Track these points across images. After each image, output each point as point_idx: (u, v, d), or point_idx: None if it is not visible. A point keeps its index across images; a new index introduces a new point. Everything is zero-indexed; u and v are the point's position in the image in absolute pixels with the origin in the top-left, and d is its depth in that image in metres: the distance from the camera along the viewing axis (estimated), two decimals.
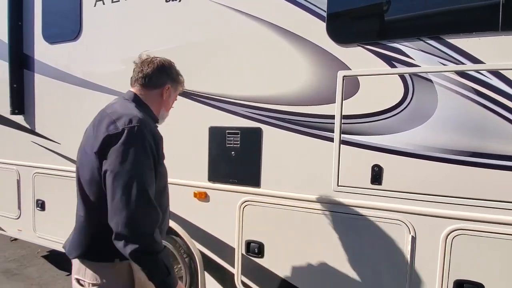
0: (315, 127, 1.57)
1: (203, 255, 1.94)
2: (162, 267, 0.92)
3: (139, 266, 0.93)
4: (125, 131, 0.93)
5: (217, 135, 1.81)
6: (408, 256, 1.41)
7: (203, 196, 1.87)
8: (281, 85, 1.64)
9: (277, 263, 1.70)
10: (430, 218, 1.38)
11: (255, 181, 1.72)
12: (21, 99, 2.59)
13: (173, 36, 1.93)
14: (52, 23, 2.40)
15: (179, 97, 1.93)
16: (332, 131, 1.53)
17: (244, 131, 1.73)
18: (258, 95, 1.69)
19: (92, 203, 0.99)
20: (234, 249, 1.80)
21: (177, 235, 2.01)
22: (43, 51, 2.47)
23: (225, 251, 1.84)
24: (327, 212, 1.56)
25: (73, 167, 2.15)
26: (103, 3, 2.16)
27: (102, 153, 0.93)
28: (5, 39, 2.54)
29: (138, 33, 2.04)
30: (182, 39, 1.91)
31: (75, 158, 2.07)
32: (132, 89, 1.14)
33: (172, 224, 1.99)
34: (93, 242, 1.00)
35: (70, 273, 2.49)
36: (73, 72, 2.34)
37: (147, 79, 1.11)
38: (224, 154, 1.79)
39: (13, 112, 2.57)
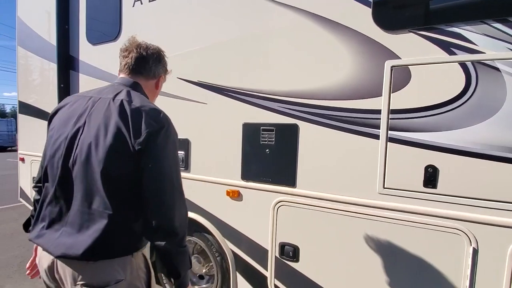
0: (358, 123, 1.44)
1: (235, 255, 1.89)
2: (188, 260, 0.96)
3: (170, 259, 0.92)
4: (165, 127, 0.93)
5: (251, 132, 1.75)
6: (468, 272, 1.23)
7: (236, 195, 1.82)
8: (320, 78, 1.53)
9: (313, 269, 1.59)
10: (496, 228, 1.19)
11: (290, 181, 1.63)
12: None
13: (208, 34, 1.91)
14: (94, 25, 2.51)
15: (212, 93, 1.93)
16: (378, 127, 1.39)
17: (280, 127, 1.65)
18: (295, 89, 1.60)
19: (116, 198, 0.89)
20: (267, 251, 1.72)
21: (209, 233, 1.99)
22: (86, 52, 2.59)
23: (258, 252, 1.77)
24: (370, 217, 1.42)
25: None
26: (141, 3, 2.20)
27: (141, 149, 0.88)
28: (54, 42, 2.71)
29: (174, 31, 2.05)
30: (217, 35, 1.87)
31: None
32: (128, 77, 1.06)
33: (204, 222, 1.97)
34: (113, 237, 0.89)
35: None
36: (113, 72, 2.42)
37: (147, 67, 1.08)
38: (258, 152, 1.72)
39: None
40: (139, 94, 1.02)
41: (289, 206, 1.64)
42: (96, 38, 2.50)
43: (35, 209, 1.05)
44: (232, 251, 1.90)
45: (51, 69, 2.87)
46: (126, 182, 0.91)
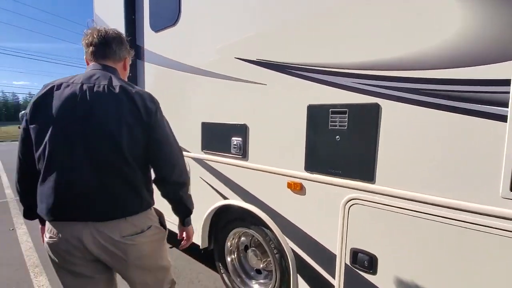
0: (470, 99, 1.04)
1: (296, 255, 1.68)
2: (191, 200, 1.31)
3: (184, 203, 1.26)
4: (159, 106, 1.19)
5: (317, 115, 1.48)
6: None
7: (298, 188, 1.59)
8: (414, 42, 1.16)
9: (396, 285, 1.27)
10: None
11: (367, 174, 1.31)
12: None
13: (269, 8, 1.68)
14: (156, 11, 2.52)
15: (272, 72, 1.71)
16: (503, 104, 0.98)
17: (355, 108, 1.34)
18: (376, 59, 1.26)
19: (131, 162, 1.10)
20: (335, 256, 1.46)
21: (267, 227, 1.81)
22: (150, 40, 2.64)
23: (324, 256, 1.52)
24: (485, 228, 1.03)
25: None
26: None
27: (148, 123, 1.11)
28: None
29: (232, 13, 1.88)
30: (278, 8, 1.63)
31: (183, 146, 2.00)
32: (98, 64, 1.17)
33: (262, 215, 1.80)
34: (135, 195, 1.13)
35: (172, 246, 2.65)
36: (174, 57, 2.40)
37: (112, 52, 1.19)
38: (326, 139, 1.44)
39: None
40: (121, 78, 1.18)
41: (365, 205, 1.33)
42: (158, 25, 2.50)
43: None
44: (293, 251, 1.69)
45: None
46: (140, 152, 1.12)
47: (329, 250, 1.49)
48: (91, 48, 1.17)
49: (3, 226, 3.79)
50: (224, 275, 2.30)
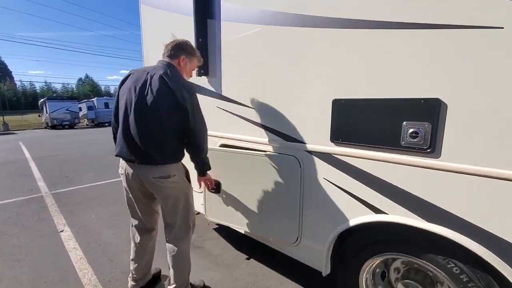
0: None
1: None
2: (206, 155, 1.79)
3: (204, 161, 1.78)
4: (194, 93, 1.68)
5: None
6: None
7: None
8: None
9: None
10: None
11: None
12: (205, 57, 2.19)
13: None
14: None
15: None
16: None
17: None
18: None
19: (164, 128, 1.60)
20: None
21: (494, 272, 1.13)
22: None
23: None
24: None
25: (269, 138, 1.90)
26: None
27: (185, 102, 1.59)
28: None
29: None
30: None
31: (271, 126, 1.86)
32: (166, 60, 1.75)
33: (478, 249, 1.12)
34: (171, 154, 1.68)
35: (249, 257, 2.59)
36: (281, 8, 1.68)
37: (170, 52, 1.75)
38: None
39: (199, 73, 2.21)
40: (175, 70, 1.70)
41: None
42: None
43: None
44: None
45: (184, 24, 2.33)
46: (172, 122, 1.60)
47: None
48: (164, 50, 1.78)
49: (44, 226, 3.31)
50: None
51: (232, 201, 2.16)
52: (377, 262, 1.55)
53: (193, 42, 2.16)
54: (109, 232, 3.12)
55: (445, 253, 1.24)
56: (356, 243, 1.55)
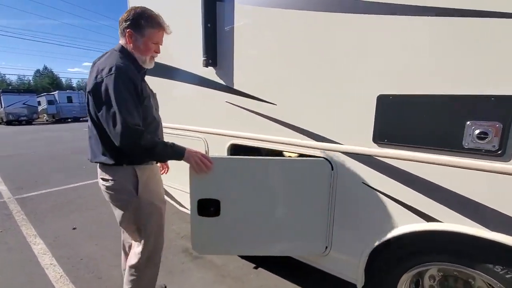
0: None
1: None
2: (162, 155, 1.39)
3: (158, 153, 1.36)
4: (106, 77, 1.25)
5: None
6: None
7: None
8: None
9: None
10: None
11: None
12: (214, 44, 1.93)
13: None
14: None
15: None
16: None
17: None
18: None
19: (99, 124, 1.34)
20: None
21: None
22: None
23: None
24: None
25: (291, 138, 1.67)
26: None
27: (93, 95, 1.31)
28: None
29: None
30: None
31: (297, 124, 1.62)
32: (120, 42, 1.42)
33: None
34: (105, 153, 1.38)
35: (257, 266, 2.35)
36: None
37: (120, 29, 1.39)
38: None
39: (207, 63, 1.94)
40: (116, 53, 1.37)
41: None
42: None
43: None
44: None
45: (190, 8, 2.05)
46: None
47: None
48: None
49: (11, 238, 2.84)
50: None
51: (237, 222, 1.60)
52: (417, 272, 1.44)
53: (200, 28, 1.91)
54: (91, 243, 2.75)
55: (505, 263, 1.15)
56: (399, 252, 1.42)
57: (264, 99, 1.76)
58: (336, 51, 1.43)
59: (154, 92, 1.60)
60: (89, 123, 1.43)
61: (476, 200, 1.14)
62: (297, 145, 1.65)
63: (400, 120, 1.28)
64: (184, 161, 1.39)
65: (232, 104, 1.93)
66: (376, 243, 1.42)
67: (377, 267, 1.50)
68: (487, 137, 1.08)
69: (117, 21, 1.44)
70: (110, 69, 1.25)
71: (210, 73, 2.02)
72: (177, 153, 1.38)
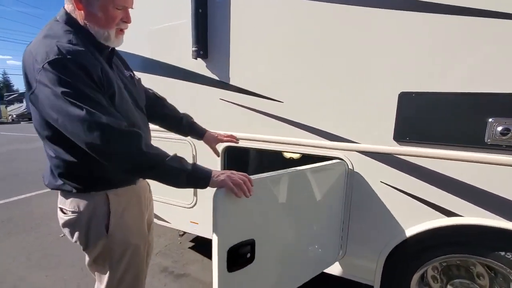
0: None
1: None
2: (173, 173, 0.88)
3: (163, 170, 0.88)
4: (42, 70, 0.80)
5: None
6: None
7: None
8: None
9: None
10: None
11: None
12: (205, 34, 1.70)
13: None
14: None
15: None
16: None
17: None
18: None
19: (43, 138, 0.96)
20: None
21: None
22: None
23: None
24: None
25: (300, 138, 1.53)
26: None
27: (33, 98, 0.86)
28: None
29: None
30: None
31: (308, 123, 1.48)
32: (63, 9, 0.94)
33: None
34: (64, 175, 0.97)
35: None
36: None
37: None
38: None
39: (197, 55, 1.70)
40: (58, 24, 0.91)
41: None
42: None
43: None
44: None
45: None
46: (41, 128, 0.95)
47: None
48: None
49: None
50: None
51: (275, 260, 1.19)
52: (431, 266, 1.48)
53: (189, 14, 1.66)
54: (40, 274, 2.21)
55: None
56: (417, 249, 1.43)
57: (269, 96, 1.61)
58: (355, 46, 1.37)
59: (136, 77, 1.17)
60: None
61: (496, 194, 1.20)
62: (308, 145, 1.55)
63: (422, 117, 1.28)
64: (212, 187, 0.90)
65: (228, 101, 1.73)
66: (396, 242, 1.41)
67: (393, 265, 1.50)
68: (509, 133, 1.14)
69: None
70: (47, 56, 0.80)
71: (200, 66, 1.77)
72: (202, 172, 0.90)
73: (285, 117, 1.58)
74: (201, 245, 2.59)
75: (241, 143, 1.72)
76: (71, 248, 2.47)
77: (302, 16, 1.46)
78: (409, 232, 1.37)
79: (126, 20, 0.96)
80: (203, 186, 0.90)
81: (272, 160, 2.04)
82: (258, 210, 1.05)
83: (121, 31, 0.97)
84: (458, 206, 1.27)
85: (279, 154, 1.81)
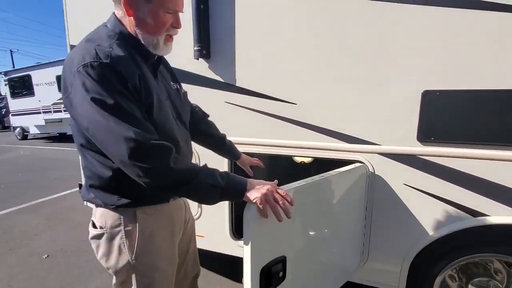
0: None
1: None
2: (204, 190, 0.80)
3: (197, 185, 0.79)
4: (77, 73, 0.76)
5: None
6: None
7: None
8: None
9: None
10: None
11: None
12: (207, 32, 1.57)
13: None
14: None
15: None
16: None
17: None
18: None
19: (79, 147, 0.92)
20: None
21: None
22: None
23: None
24: None
25: (316, 142, 1.45)
26: None
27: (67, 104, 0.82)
28: None
29: None
30: None
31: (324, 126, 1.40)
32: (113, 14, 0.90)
33: None
34: (93, 186, 0.93)
35: None
36: None
37: None
38: None
39: (200, 55, 1.56)
40: (105, 30, 0.87)
41: None
42: None
43: None
44: None
45: None
46: (80, 137, 0.91)
47: None
48: None
49: None
50: None
51: (307, 277, 1.10)
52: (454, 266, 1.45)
53: (189, 11, 1.51)
54: None
55: None
56: (442, 249, 1.39)
57: (280, 98, 1.50)
58: (375, 42, 1.29)
59: (183, 90, 1.09)
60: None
61: None
62: (325, 149, 1.46)
63: (448, 116, 1.23)
64: (245, 201, 0.82)
65: (234, 104, 1.61)
66: (423, 245, 1.36)
67: (418, 268, 1.45)
68: None
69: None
70: (83, 59, 0.76)
71: (202, 67, 1.63)
72: (235, 188, 0.82)
73: (299, 120, 1.48)
74: (206, 259, 2.45)
75: (251, 149, 1.61)
76: (56, 270, 2.24)
77: (318, 10, 1.37)
78: (436, 234, 1.33)
79: (176, 25, 0.90)
80: (237, 197, 0.83)
81: (282, 165, 1.94)
82: (287, 223, 0.89)
83: (170, 38, 0.91)
84: (484, 205, 1.24)
85: (289, 158, 1.71)
